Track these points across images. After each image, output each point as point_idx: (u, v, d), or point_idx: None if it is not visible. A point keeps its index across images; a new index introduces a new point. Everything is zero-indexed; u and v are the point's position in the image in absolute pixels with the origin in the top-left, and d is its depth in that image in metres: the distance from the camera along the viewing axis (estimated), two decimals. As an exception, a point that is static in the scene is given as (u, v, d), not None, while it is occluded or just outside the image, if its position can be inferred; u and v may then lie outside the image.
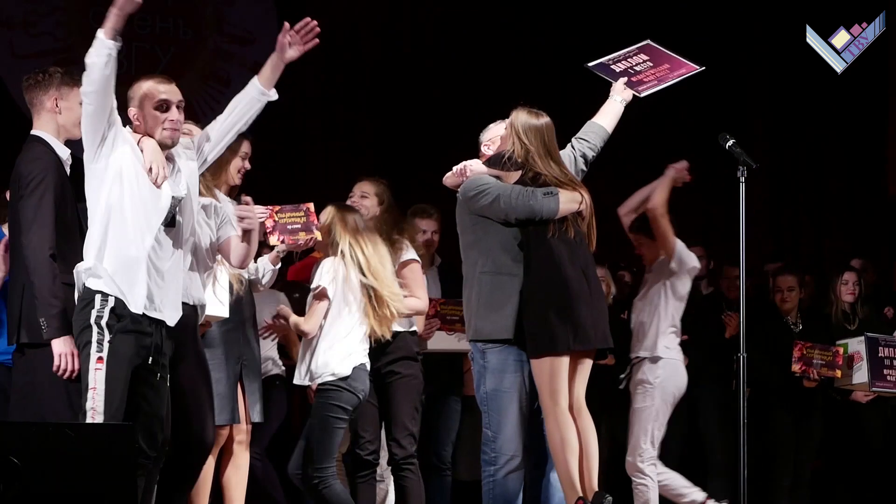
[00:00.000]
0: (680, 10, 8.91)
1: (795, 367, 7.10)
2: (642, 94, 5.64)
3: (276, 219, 5.45)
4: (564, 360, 5.10)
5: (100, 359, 4.60)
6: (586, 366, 5.21)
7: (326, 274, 5.55)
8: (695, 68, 5.68)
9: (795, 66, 8.68)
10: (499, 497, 5.17)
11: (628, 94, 5.65)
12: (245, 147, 5.64)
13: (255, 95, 4.96)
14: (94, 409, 4.56)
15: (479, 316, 5.25)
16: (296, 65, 8.83)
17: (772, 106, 9.40)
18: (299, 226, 5.49)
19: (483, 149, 5.56)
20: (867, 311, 7.54)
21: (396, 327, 5.92)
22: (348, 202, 6.05)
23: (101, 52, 4.57)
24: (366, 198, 6.06)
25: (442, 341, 6.64)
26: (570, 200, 5.18)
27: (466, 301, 5.36)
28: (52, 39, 7.16)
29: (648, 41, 5.74)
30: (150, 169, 4.72)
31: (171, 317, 4.81)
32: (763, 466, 7.33)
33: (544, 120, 5.29)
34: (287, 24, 4.95)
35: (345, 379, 5.52)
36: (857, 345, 7.09)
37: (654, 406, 6.51)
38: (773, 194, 9.44)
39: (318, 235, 5.55)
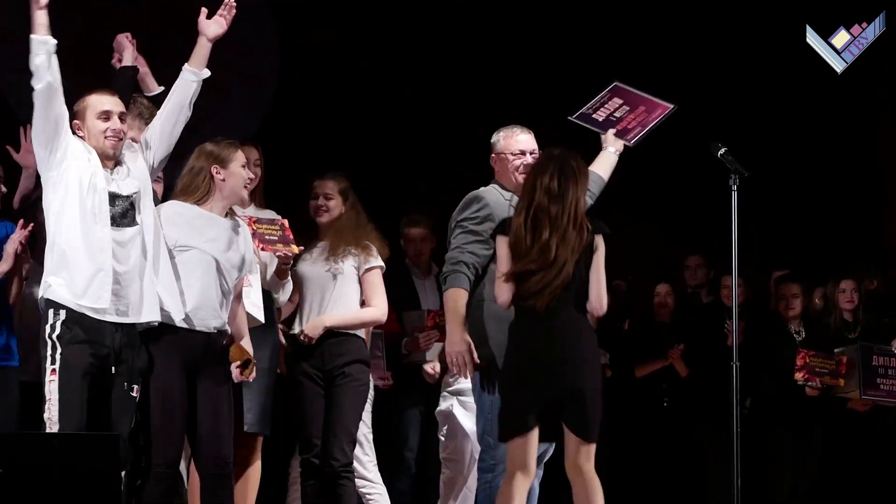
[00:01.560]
0: (679, 10, 8.88)
1: (798, 376, 7.08)
2: (632, 143, 5.55)
3: (255, 228, 5.51)
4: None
5: (53, 371, 4.71)
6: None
7: None
8: (668, 107, 5.57)
9: (794, 67, 8.65)
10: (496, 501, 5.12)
11: (620, 145, 5.52)
12: (250, 154, 5.66)
13: (188, 78, 5.13)
14: (50, 419, 4.66)
15: (475, 344, 5.14)
16: (302, 76, 8.96)
17: (771, 106, 9.38)
18: (276, 238, 5.56)
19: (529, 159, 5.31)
20: (868, 318, 7.51)
21: (349, 330, 5.86)
22: (313, 204, 5.97)
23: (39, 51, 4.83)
24: (330, 198, 5.97)
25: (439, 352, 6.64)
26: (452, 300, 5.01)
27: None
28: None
29: (616, 83, 5.64)
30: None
31: (131, 319, 4.88)
32: (762, 477, 7.31)
33: None
34: (204, 9, 5.15)
35: None
36: (851, 353, 7.08)
37: None
38: (778, 200, 9.42)
39: (295, 249, 5.59)
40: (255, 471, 5.78)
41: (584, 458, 4.88)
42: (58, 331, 4.75)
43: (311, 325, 5.79)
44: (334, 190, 5.97)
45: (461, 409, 6.12)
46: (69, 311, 4.78)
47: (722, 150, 5.56)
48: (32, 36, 4.81)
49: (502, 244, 4.83)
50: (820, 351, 7.14)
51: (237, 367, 5.25)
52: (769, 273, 8.13)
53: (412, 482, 6.92)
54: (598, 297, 4.83)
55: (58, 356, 4.74)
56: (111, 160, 4.96)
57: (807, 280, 7.71)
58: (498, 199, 5.26)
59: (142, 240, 4.94)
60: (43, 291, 4.83)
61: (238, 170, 5.21)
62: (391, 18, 8.91)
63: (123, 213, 4.91)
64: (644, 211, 9.02)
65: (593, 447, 4.89)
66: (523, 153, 5.32)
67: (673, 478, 7.89)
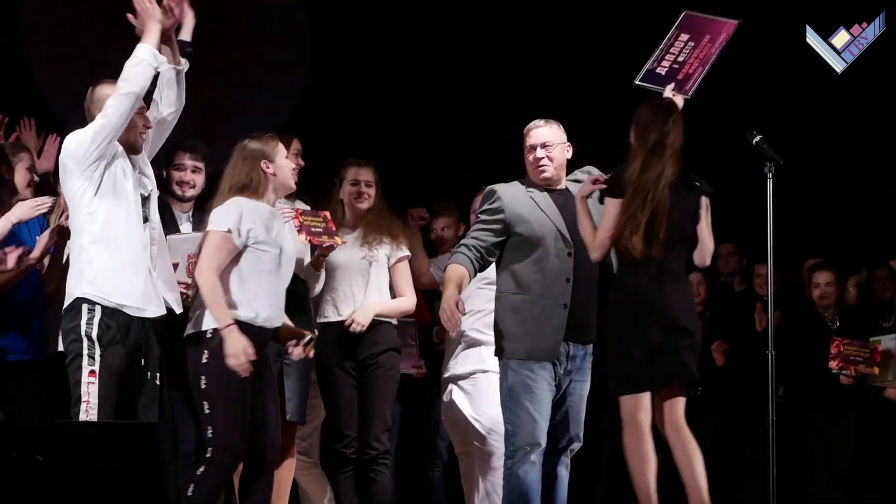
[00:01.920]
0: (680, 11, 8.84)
1: (832, 364, 7.05)
2: (690, 94, 5.49)
3: (302, 220, 5.52)
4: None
5: (92, 372, 4.68)
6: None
7: None
8: (733, 24, 5.51)
9: (793, 66, 8.61)
10: (515, 489, 5.17)
11: (679, 102, 5.45)
12: (295, 146, 5.77)
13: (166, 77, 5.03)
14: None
15: (496, 335, 5.28)
16: (325, 66, 8.95)
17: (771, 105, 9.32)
18: (321, 229, 5.56)
19: (540, 153, 5.33)
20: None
21: (387, 318, 5.87)
22: (352, 190, 5.97)
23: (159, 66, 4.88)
24: (371, 186, 5.98)
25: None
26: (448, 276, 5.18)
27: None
28: (79, 44, 7.20)
29: (686, 12, 5.58)
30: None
31: (155, 312, 4.90)
32: (796, 466, 7.28)
33: None
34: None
35: None
36: (889, 342, 7.04)
37: None
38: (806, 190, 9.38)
39: (338, 241, 5.59)
40: (291, 461, 5.80)
41: (679, 413, 5.06)
42: (96, 329, 4.72)
43: (363, 312, 5.77)
44: (373, 178, 5.99)
45: (461, 394, 6.03)
46: (104, 307, 4.76)
47: (757, 138, 5.52)
48: (150, 47, 4.82)
49: (613, 205, 5.03)
50: (854, 339, 7.11)
51: (299, 345, 5.19)
52: (792, 261, 8.09)
53: (444, 470, 6.92)
54: (705, 250, 5.15)
55: (97, 356, 4.70)
56: (136, 154, 4.96)
57: (840, 269, 7.67)
58: (515, 192, 5.32)
59: (156, 236, 4.98)
60: (82, 292, 4.77)
61: (284, 161, 5.21)
62: (391, 18, 8.88)
63: (147, 213, 4.95)
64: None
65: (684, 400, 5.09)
66: (533, 147, 5.33)
67: (707, 467, 7.86)
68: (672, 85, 5.48)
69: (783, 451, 5.69)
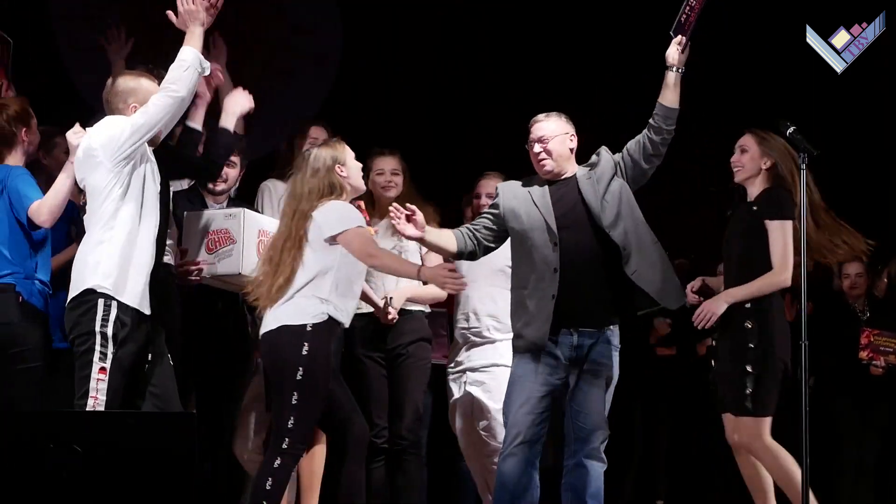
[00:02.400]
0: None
1: (862, 355, 7.05)
2: (687, 37, 5.41)
3: None
4: None
5: (102, 369, 4.70)
6: None
7: None
8: None
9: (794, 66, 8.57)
10: (497, 480, 5.24)
11: (678, 57, 5.39)
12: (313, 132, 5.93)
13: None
14: None
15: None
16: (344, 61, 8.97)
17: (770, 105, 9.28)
18: None
19: (537, 147, 5.34)
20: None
21: (411, 307, 5.90)
22: (380, 180, 6.01)
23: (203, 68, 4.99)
24: (397, 174, 6.02)
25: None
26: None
27: None
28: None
29: None
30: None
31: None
32: (826, 456, 7.27)
33: None
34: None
35: None
36: (920, 332, 7.04)
37: None
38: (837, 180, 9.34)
39: (371, 231, 5.60)
40: (322, 448, 5.81)
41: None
42: (111, 326, 4.73)
43: (398, 295, 5.79)
44: (399, 166, 6.00)
45: (475, 387, 6.03)
46: (119, 303, 4.78)
47: (791, 129, 5.50)
48: (195, 51, 4.88)
49: (785, 227, 5.55)
50: (885, 330, 7.09)
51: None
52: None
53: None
54: None
55: (109, 353, 4.72)
56: (153, 146, 4.98)
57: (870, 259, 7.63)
58: (514, 188, 5.35)
59: None
60: (95, 283, 4.78)
61: (354, 163, 5.25)
62: (389, 18, 8.88)
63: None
64: (705, 188, 8.98)
65: None
66: (532, 143, 5.34)
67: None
68: (677, 39, 5.44)
69: (812, 441, 5.70)
